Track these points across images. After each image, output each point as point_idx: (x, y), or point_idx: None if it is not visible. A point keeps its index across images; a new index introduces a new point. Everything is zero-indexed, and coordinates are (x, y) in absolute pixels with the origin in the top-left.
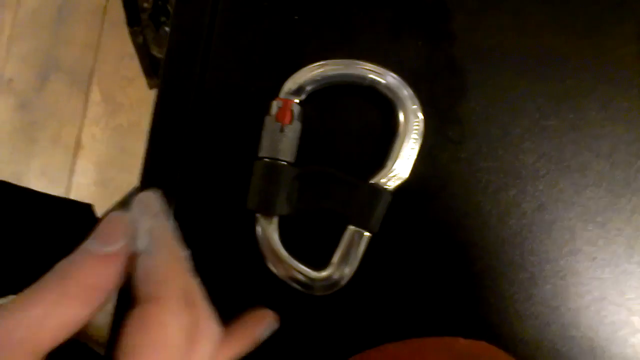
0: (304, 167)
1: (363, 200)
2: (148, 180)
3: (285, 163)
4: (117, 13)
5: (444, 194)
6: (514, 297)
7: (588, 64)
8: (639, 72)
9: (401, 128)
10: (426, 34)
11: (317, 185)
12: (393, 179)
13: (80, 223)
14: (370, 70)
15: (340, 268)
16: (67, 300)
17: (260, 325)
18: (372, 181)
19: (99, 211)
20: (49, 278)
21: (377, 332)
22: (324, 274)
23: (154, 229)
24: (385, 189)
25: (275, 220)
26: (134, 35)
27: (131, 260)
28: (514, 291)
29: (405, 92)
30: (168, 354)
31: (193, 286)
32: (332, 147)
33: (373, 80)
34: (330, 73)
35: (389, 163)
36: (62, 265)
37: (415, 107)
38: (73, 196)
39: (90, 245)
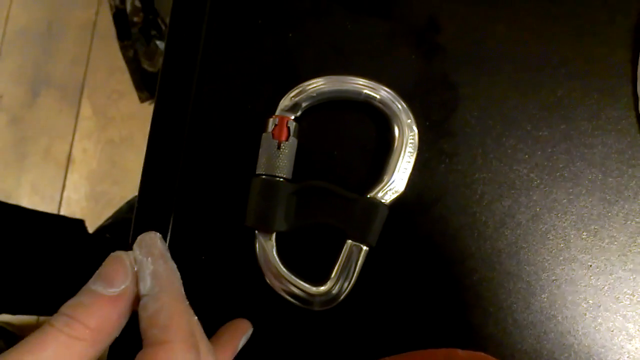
0: (300, 183)
1: (360, 214)
2: (145, 197)
3: (282, 179)
4: (107, 27)
5: (439, 206)
6: (512, 307)
7: (578, 74)
8: (629, 80)
9: (396, 142)
10: (419, 48)
11: (314, 201)
12: (389, 193)
13: (71, 239)
14: (365, 85)
15: (339, 283)
16: (75, 342)
17: (239, 334)
18: (369, 195)
19: (90, 226)
20: (58, 319)
21: (374, 344)
22: (322, 288)
23: (157, 271)
24: (382, 202)
25: (273, 236)
26: (124, 49)
27: (135, 300)
28: (512, 301)
29: (399, 106)
30: None
31: (195, 326)
32: (328, 162)
33: (368, 95)
34: (325, 89)
35: (385, 177)
36: (69, 306)
37: (409, 120)
38: (64, 211)
39: (95, 286)
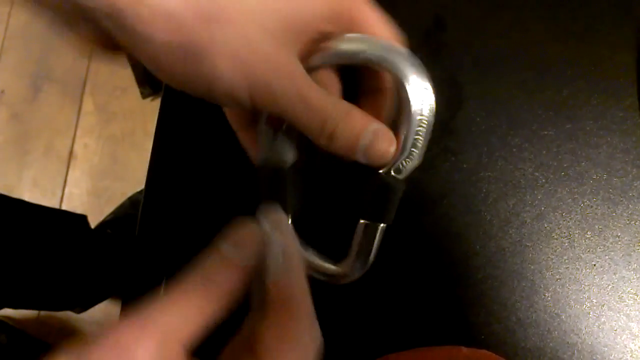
0: (306, 163)
1: (374, 193)
2: (152, 191)
3: (285, 163)
4: None
5: (444, 204)
6: (516, 305)
7: (584, 74)
8: (634, 81)
9: (410, 107)
10: (425, 47)
11: (323, 179)
12: (405, 165)
13: (73, 234)
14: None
15: (355, 263)
16: (211, 303)
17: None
18: (382, 170)
19: (92, 221)
20: (193, 280)
21: (378, 342)
22: (337, 269)
23: (286, 247)
24: (397, 178)
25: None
26: None
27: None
28: (515, 299)
29: (411, 64)
30: None
31: (313, 308)
32: None
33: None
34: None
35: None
36: (203, 267)
37: (426, 86)
38: (66, 206)
39: (227, 252)
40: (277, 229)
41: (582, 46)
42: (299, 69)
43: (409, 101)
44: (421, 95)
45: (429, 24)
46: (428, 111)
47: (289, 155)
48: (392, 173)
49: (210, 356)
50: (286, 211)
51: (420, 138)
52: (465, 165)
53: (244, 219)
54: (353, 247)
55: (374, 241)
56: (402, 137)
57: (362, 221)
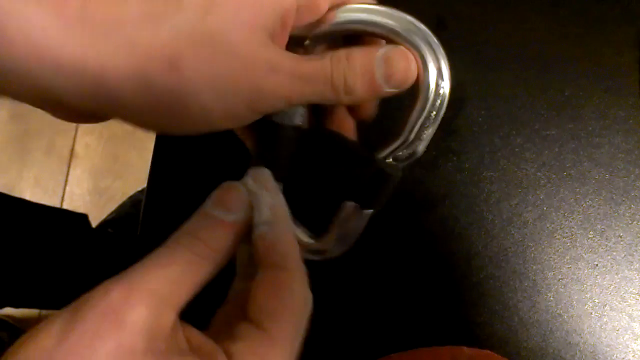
0: (310, 130)
1: (369, 179)
2: (154, 190)
3: (290, 126)
4: None
5: (446, 204)
6: (518, 305)
7: (586, 73)
8: (636, 80)
9: (422, 95)
10: None
11: (321, 151)
12: (406, 154)
13: (75, 233)
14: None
15: (336, 242)
16: (199, 260)
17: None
18: (383, 154)
19: (93, 220)
20: (182, 238)
21: (381, 342)
22: (315, 244)
23: (274, 203)
24: (396, 167)
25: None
26: None
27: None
28: (518, 299)
29: (443, 56)
30: (298, 319)
31: (301, 260)
32: None
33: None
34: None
35: (404, 135)
36: (189, 226)
37: (444, 71)
38: (67, 206)
39: (212, 210)
40: (263, 186)
41: (585, 46)
42: (276, 53)
43: (427, 87)
44: (439, 86)
45: (431, 24)
46: (440, 103)
47: (297, 117)
48: (391, 160)
49: (198, 318)
50: (273, 168)
51: (427, 130)
52: (467, 165)
53: (228, 181)
54: (336, 226)
55: (360, 225)
56: (410, 125)
57: (350, 202)
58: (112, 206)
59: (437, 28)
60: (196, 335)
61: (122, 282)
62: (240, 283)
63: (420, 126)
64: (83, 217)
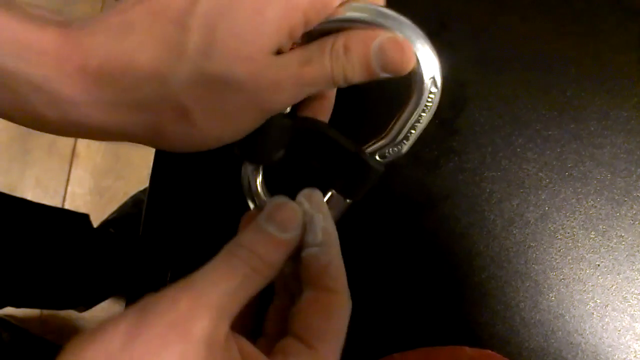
0: (297, 120)
1: (353, 170)
2: (156, 189)
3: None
4: None
5: (448, 204)
6: (520, 306)
7: (588, 74)
8: (638, 81)
9: (412, 95)
10: None
11: (308, 142)
12: (391, 150)
13: (76, 233)
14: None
15: None
16: (255, 274)
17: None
18: (368, 149)
19: (94, 220)
20: (237, 250)
21: (383, 342)
22: None
23: (327, 227)
24: (379, 162)
25: (260, 168)
26: None
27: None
28: (519, 299)
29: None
30: (342, 340)
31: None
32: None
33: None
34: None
35: (391, 132)
36: (244, 239)
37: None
38: (68, 205)
39: (267, 227)
40: (318, 209)
41: (586, 46)
42: (279, 69)
43: (422, 92)
44: (431, 93)
45: (433, 24)
46: (430, 108)
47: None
48: (377, 157)
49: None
50: (261, 157)
51: (414, 132)
52: (468, 165)
53: (283, 198)
54: None
55: (338, 215)
56: (399, 125)
57: (333, 191)
58: (113, 206)
59: (439, 28)
60: (248, 347)
61: (188, 293)
62: (281, 299)
63: (410, 127)
64: (84, 217)
